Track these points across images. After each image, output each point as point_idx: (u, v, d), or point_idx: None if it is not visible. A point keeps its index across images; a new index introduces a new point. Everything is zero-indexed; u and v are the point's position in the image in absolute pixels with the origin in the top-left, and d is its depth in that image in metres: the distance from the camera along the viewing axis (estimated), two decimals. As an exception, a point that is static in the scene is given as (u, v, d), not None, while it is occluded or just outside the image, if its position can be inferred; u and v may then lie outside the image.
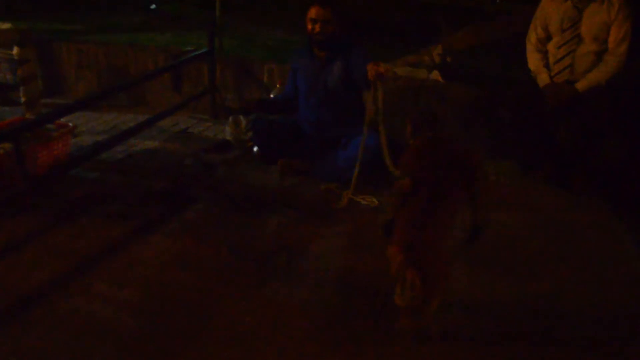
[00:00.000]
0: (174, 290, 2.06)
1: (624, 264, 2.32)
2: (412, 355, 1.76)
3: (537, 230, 2.57)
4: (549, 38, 3.01)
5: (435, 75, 3.96)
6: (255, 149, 3.27)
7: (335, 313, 1.96)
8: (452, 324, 1.90)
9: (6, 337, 1.80)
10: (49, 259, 2.23)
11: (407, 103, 3.72)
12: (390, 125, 3.68)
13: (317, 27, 2.96)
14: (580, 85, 2.85)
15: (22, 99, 3.32)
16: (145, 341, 1.80)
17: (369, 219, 2.62)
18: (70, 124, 3.13)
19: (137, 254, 2.29)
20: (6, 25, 3.24)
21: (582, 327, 1.92)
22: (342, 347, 1.79)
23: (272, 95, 3.70)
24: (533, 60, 3.05)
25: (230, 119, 3.52)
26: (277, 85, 3.78)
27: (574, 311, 2.00)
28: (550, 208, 2.79)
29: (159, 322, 1.90)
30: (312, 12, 2.94)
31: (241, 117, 3.52)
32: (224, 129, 3.64)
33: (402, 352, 1.77)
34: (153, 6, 6.28)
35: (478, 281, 2.15)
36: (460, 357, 1.77)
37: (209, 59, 3.93)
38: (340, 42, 3.02)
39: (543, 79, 2.96)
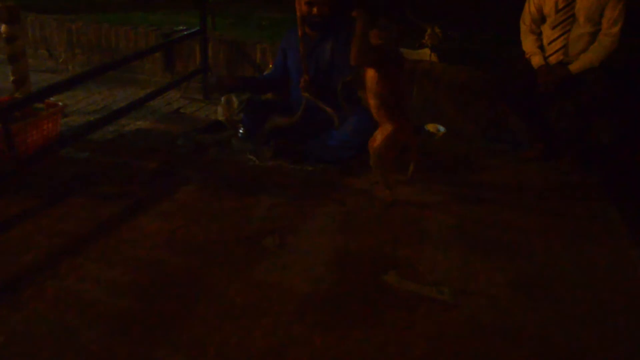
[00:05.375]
0: (164, 271, 2.06)
1: (614, 244, 2.34)
2: (403, 337, 1.77)
3: (528, 211, 2.58)
4: (543, 19, 2.99)
5: (431, 56, 3.93)
6: (240, 130, 3.24)
7: (326, 294, 1.96)
8: (443, 307, 1.92)
9: (-5, 317, 1.80)
10: (39, 239, 2.23)
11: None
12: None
13: (315, 10, 2.92)
14: (574, 67, 2.84)
15: (11, 78, 3.27)
16: (135, 321, 1.80)
17: (361, 199, 2.62)
18: (60, 103, 3.10)
19: (127, 234, 2.28)
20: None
21: (573, 306, 1.94)
22: (333, 328, 1.80)
23: (264, 74, 3.67)
24: (527, 42, 3.04)
25: (223, 99, 3.49)
26: (270, 65, 3.75)
27: (565, 291, 2.02)
28: (541, 189, 2.80)
29: (149, 302, 1.90)
30: None
31: (233, 98, 3.49)
32: (216, 109, 3.62)
33: (393, 334, 1.79)
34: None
35: (470, 264, 2.16)
36: (450, 340, 1.78)
37: (201, 39, 3.89)
38: (332, 21, 2.99)
39: (536, 60, 2.95)
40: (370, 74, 2.49)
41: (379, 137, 2.55)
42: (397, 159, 2.65)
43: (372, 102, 2.53)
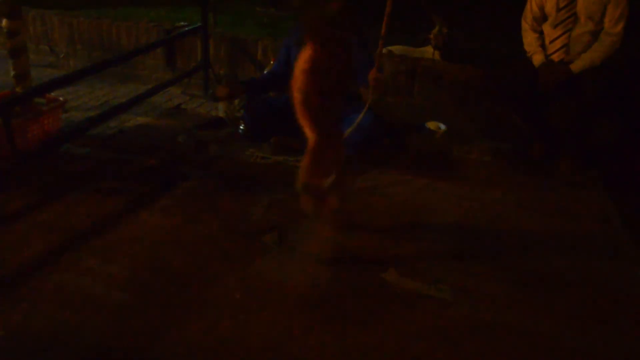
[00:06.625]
0: (163, 266, 2.07)
1: (614, 244, 2.34)
2: (402, 334, 1.78)
3: (528, 209, 2.58)
4: (544, 18, 2.98)
5: (434, 54, 3.93)
6: (241, 127, 3.23)
7: (325, 290, 1.97)
8: (442, 305, 1.92)
9: (-5, 311, 1.81)
10: (39, 234, 2.23)
11: (401, 82, 3.70)
12: (383, 103, 3.69)
13: None
14: (575, 66, 2.84)
15: (12, 73, 3.26)
16: (134, 316, 1.81)
17: (361, 196, 2.62)
18: (61, 99, 3.10)
19: (127, 230, 2.29)
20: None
21: (573, 306, 1.94)
22: (331, 325, 1.80)
23: (265, 72, 3.66)
24: (529, 40, 3.03)
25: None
26: (271, 62, 3.74)
27: (564, 291, 2.02)
28: (541, 188, 2.80)
29: (149, 297, 1.90)
30: None
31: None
32: (217, 105, 3.61)
33: (392, 332, 1.79)
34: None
35: (469, 262, 2.16)
36: (448, 338, 1.78)
37: (202, 35, 3.88)
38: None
39: (538, 59, 2.94)
40: (305, 54, 1.88)
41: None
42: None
43: (295, 95, 1.96)
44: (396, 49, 4.00)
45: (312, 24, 1.85)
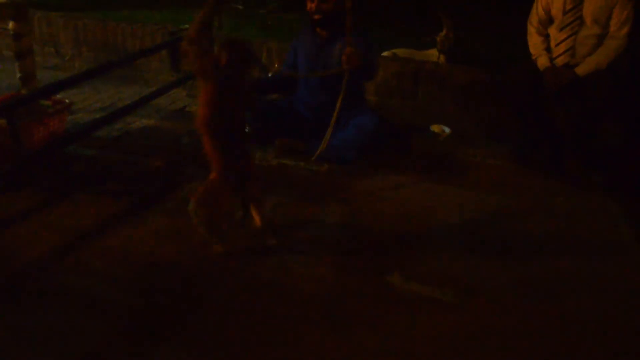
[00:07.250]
0: (167, 268, 2.07)
1: (620, 247, 2.33)
2: (406, 338, 1.77)
3: (532, 213, 2.57)
4: (550, 21, 2.98)
5: (440, 58, 3.93)
6: (246, 129, 3.23)
7: (329, 294, 1.96)
8: (446, 308, 1.92)
9: (-3, 312, 1.81)
10: (44, 235, 2.23)
11: (405, 85, 3.70)
12: (387, 106, 3.70)
13: (314, 5, 2.93)
14: (580, 70, 2.83)
15: (18, 75, 3.28)
16: (138, 317, 1.81)
17: (365, 199, 2.62)
18: (67, 101, 3.11)
19: (131, 231, 2.29)
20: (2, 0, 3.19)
21: (577, 309, 1.93)
22: (335, 328, 1.80)
23: (269, 75, 3.67)
24: (534, 43, 3.03)
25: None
26: (276, 65, 3.75)
27: (569, 294, 2.01)
28: (546, 191, 2.78)
29: (152, 298, 1.90)
30: None
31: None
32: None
33: (396, 335, 1.78)
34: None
35: (474, 265, 2.16)
36: (453, 341, 1.78)
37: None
38: (341, 22, 2.97)
39: (543, 62, 2.93)
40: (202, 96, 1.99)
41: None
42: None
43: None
44: (400, 51, 4.00)
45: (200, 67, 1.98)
